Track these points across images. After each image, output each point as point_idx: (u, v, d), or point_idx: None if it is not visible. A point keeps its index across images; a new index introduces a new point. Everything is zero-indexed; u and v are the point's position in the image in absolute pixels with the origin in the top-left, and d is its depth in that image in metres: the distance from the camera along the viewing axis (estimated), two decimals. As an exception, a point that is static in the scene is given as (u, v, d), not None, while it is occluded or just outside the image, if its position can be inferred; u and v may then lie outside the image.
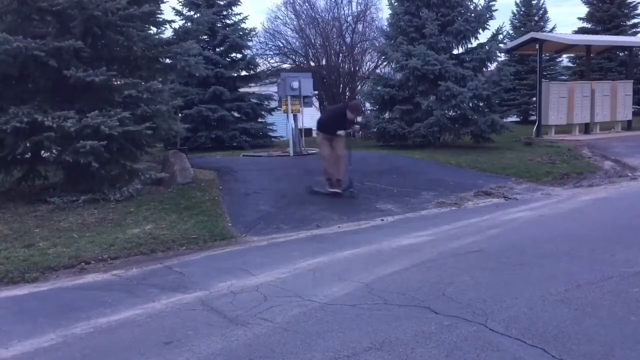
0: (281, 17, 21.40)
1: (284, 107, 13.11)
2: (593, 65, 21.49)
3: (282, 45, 21.13)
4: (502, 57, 18.87)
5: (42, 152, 9.05)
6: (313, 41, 20.47)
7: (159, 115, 9.39)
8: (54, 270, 5.90)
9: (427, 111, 14.49)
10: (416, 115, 14.82)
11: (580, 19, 24.89)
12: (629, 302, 4.34)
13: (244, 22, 17.46)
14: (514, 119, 22.40)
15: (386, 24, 17.66)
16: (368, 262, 5.81)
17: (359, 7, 20.79)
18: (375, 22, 20.95)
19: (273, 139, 17.80)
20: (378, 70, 18.45)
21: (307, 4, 20.70)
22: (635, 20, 24.68)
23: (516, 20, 25.41)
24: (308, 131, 18.30)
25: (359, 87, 20.23)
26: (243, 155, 13.82)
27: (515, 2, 25.44)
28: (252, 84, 18.35)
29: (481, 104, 15.24)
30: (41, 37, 8.39)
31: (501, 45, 16.26)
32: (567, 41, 18.91)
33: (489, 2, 15.30)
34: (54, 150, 8.58)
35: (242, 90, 17.54)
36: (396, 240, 6.66)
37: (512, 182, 10.39)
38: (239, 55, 17.68)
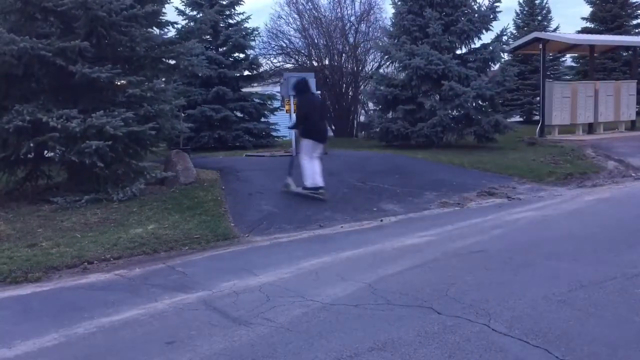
0: (284, 17, 21.41)
1: (286, 107, 13.09)
2: (597, 65, 21.42)
3: (285, 45, 21.13)
4: (505, 57, 18.85)
5: (46, 151, 9.07)
6: (316, 41, 20.46)
7: (162, 115, 9.41)
8: (57, 270, 5.92)
9: (431, 111, 14.47)
10: (419, 115, 14.81)
11: (583, 18, 24.83)
12: (633, 303, 4.32)
13: (247, 22, 17.49)
14: (517, 119, 22.36)
15: (389, 23, 17.68)
16: (371, 262, 5.80)
17: (362, 7, 20.79)
18: (379, 22, 20.95)
19: (276, 139, 17.80)
20: (381, 70, 18.43)
21: (310, 4, 20.71)
22: (638, 21, 24.60)
23: (519, 20, 25.36)
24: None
25: (362, 86, 20.21)
26: (246, 155, 13.82)
27: (519, 1, 25.40)
28: (255, 84, 18.36)
29: (484, 104, 15.23)
30: (45, 37, 8.41)
31: (505, 46, 16.25)
32: (570, 41, 18.87)
33: (493, 2, 15.28)
34: (58, 150, 8.60)
35: (245, 90, 17.54)
36: (399, 240, 6.65)
37: (515, 182, 10.37)
38: (241, 55, 17.68)
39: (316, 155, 8.84)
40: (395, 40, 15.76)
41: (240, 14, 17.69)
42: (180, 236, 7.00)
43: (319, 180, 8.76)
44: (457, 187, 9.80)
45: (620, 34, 22.96)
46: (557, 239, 6.41)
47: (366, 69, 20.69)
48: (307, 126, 8.78)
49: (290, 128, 10.21)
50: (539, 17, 25.20)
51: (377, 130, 16.07)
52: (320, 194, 8.75)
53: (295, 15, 20.94)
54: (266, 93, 18.01)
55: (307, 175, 8.76)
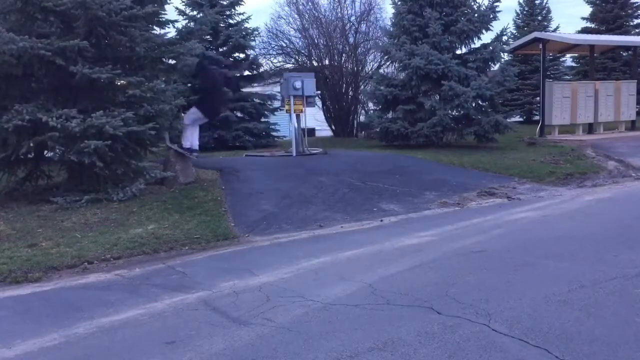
0: (284, 17, 21.38)
1: (286, 107, 13.10)
2: (597, 65, 21.42)
3: (285, 45, 21.11)
4: (505, 57, 18.85)
5: (46, 151, 9.07)
6: (316, 41, 20.43)
7: (162, 115, 9.40)
8: (57, 270, 5.92)
9: (430, 111, 14.47)
10: (419, 115, 14.81)
11: (583, 18, 24.84)
12: (633, 303, 4.33)
13: (247, 22, 17.47)
14: (517, 119, 22.36)
15: (389, 23, 17.67)
16: (371, 262, 5.81)
17: (362, 7, 20.77)
18: (379, 22, 20.95)
19: (276, 139, 17.79)
20: (381, 70, 18.42)
21: (310, 4, 20.67)
22: (638, 21, 24.61)
23: (519, 20, 25.35)
24: (311, 131, 18.31)
25: (362, 86, 20.20)
26: (246, 155, 13.81)
27: (519, 1, 25.40)
28: (255, 84, 18.35)
29: (484, 104, 15.23)
30: (45, 37, 8.41)
31: (505, 46, 16.24)
32: (570, 41, 18.87)
33: (492, 2, 15.28)
34: (58, 150, 8.60)
35: (245, 90, 17.53)
36: (399, 240, 6.65)
37: (516, 182, 10.37)
38: (242, 55, 17.68)
39: (200, 122, 10.02)
40: (395, 40, 15.75)
41: (240, 14, 17.68)
42: (180, 236, 7.00)
43: (195, 144, 9.88)
44: (457, 187, 9.80)
45: (621, 34, 22.97)
46: (557, 239, 6.41)
47: (366, 69, 20.66)
48: (205, 101, 9.86)
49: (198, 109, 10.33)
50: (539, 17, 25.18)
51: (377, 130, 16.07)
52: (193, 155, 9.89)
53: (295, 15, 20.92)
54: (266, 93, 18.01)
55: (187, 137, 9.80)
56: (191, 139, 9.74)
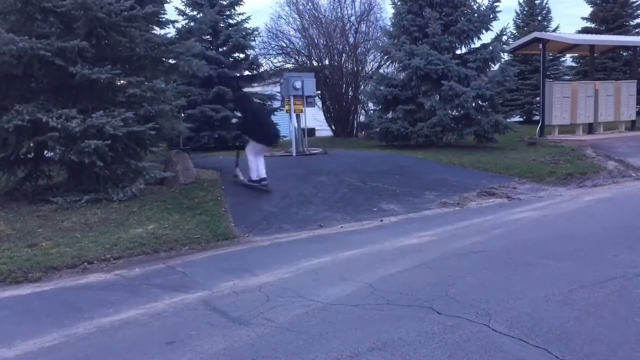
0: (284, 17, 21.39)
1: (286, 107, 13.11)
2: (597, 65, 21.41)
3: (285, 45, 21.11)
4: (505, 57, 18.83)
5: (46, 152, 9.07)
6: (316, 41, 20.43)
7: (162, 115, 9.41)
8: (57, 270, 5.92)
9: (430, 111, 14.47)
10: (419, 115, 14.81)
11: (583, 18, 24.80)
12: (633, 303, 4.33)
13: (247, 22, 17.45)
14: (517, 119, 22.33)
15: (389, 23, 17.68)
16: (371, 262, 5.81)
17: (362, 7, 20.79)
18: (379, 22, 20.96)
19: (276, 139, 17.77)
20: (381, 70, 18.41)
21: (310, 4, 20.68)
22: (638, 20, 24.59)
23: (519, 20, 25.34)
24: (311, 131, 18.31)
25: (362, 86, 20.20)
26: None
27: (519, 1, 25.39)
28: (255, 84, 18.33)
29: (484, 104, 15.23)
30: (44, 38, 8.42)
31: (505, 46, 16.24)
32: (570, 41, 18.86)
33: (492, 2, 15.28)
34: (58, 150, 8.61)
35: (245, 90, 17.51)
36: (399, 241, 6.65)
37: (516, 182, 10.37)
38: (242, 55, 17.66)
39: (262, 153, 9.77)
40: (395, 40, 15.75)
41: (240, 14, 17.66)
42: (180, 236, 7.00)
43: (262, 172, 9.51)
44: (457, 187, 9.81)
45: (621, 33, 22.95)
46: (557, 239, 6.41)
47: (366, 69, 20.66)
48: (255, 131, 9.66)
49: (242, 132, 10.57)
50: (539, 17, 25.15)
51: (377, 130, 16.07)
52: (263, 185, 9.44)
53: (295, 15, 20.93)
54: (266, 93, 18.01)
55: (252, 168, 9.52)
56: (257, 169, 9.50)
